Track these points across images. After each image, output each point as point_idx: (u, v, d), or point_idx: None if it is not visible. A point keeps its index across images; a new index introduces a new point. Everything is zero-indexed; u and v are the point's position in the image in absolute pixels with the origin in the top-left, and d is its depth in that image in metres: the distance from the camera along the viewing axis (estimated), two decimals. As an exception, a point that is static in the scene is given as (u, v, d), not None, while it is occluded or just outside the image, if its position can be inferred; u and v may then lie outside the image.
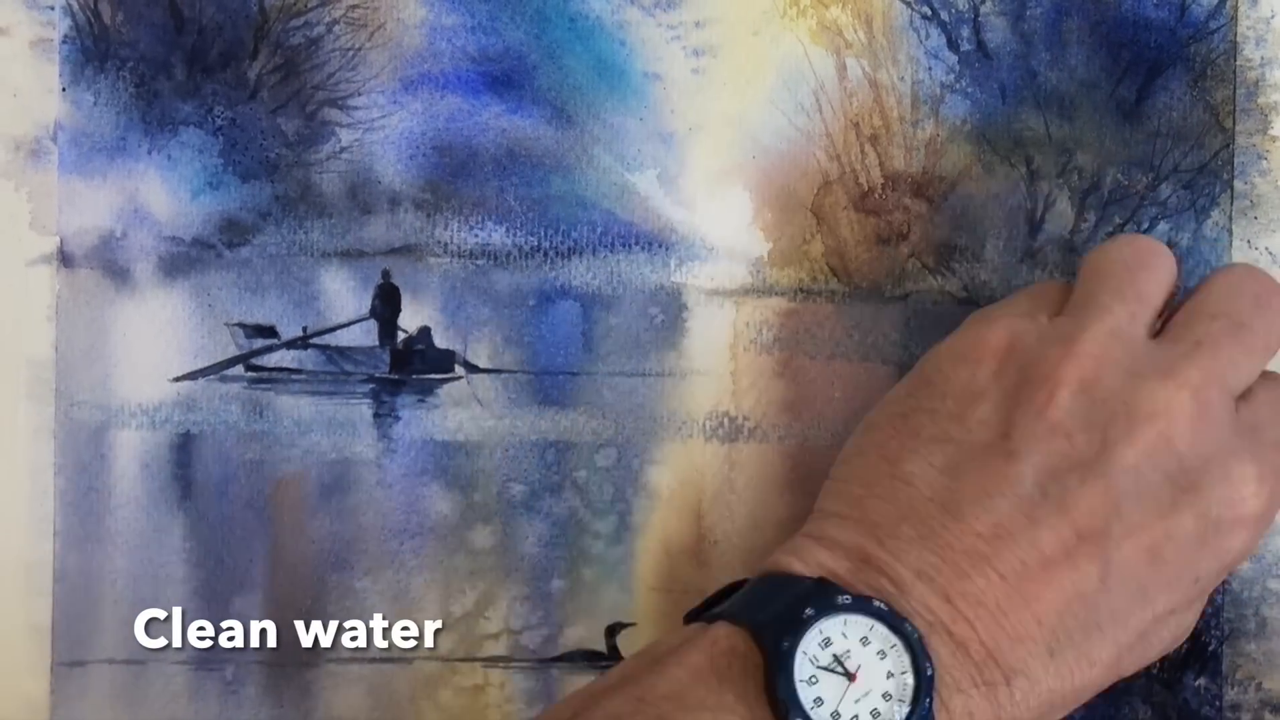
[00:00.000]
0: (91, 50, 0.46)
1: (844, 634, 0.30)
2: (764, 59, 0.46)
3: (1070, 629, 0.31)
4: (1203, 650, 0.45)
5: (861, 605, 0.30)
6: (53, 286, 0.46)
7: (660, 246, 0.46)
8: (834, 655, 0.30)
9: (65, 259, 0.46)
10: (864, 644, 0.30)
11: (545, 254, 0.46)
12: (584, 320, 0.46)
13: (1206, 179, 0.46)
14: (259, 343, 0.46)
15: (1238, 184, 0.46)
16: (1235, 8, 0.46)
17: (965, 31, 0.46)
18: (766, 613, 0.31)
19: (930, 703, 0.29)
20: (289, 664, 0.46)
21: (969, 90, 0.46)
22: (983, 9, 0.46)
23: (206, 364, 0.46)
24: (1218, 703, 0.45)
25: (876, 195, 0.46)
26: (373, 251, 0.46)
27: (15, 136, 0.45)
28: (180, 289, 0.46)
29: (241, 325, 0.46)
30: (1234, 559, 0.34)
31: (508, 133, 0.46)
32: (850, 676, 0.29)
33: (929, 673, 0.29)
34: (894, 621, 0.30)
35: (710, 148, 0.46)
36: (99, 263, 0.46)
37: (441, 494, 0.46)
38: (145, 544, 0.46)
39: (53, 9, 0.45)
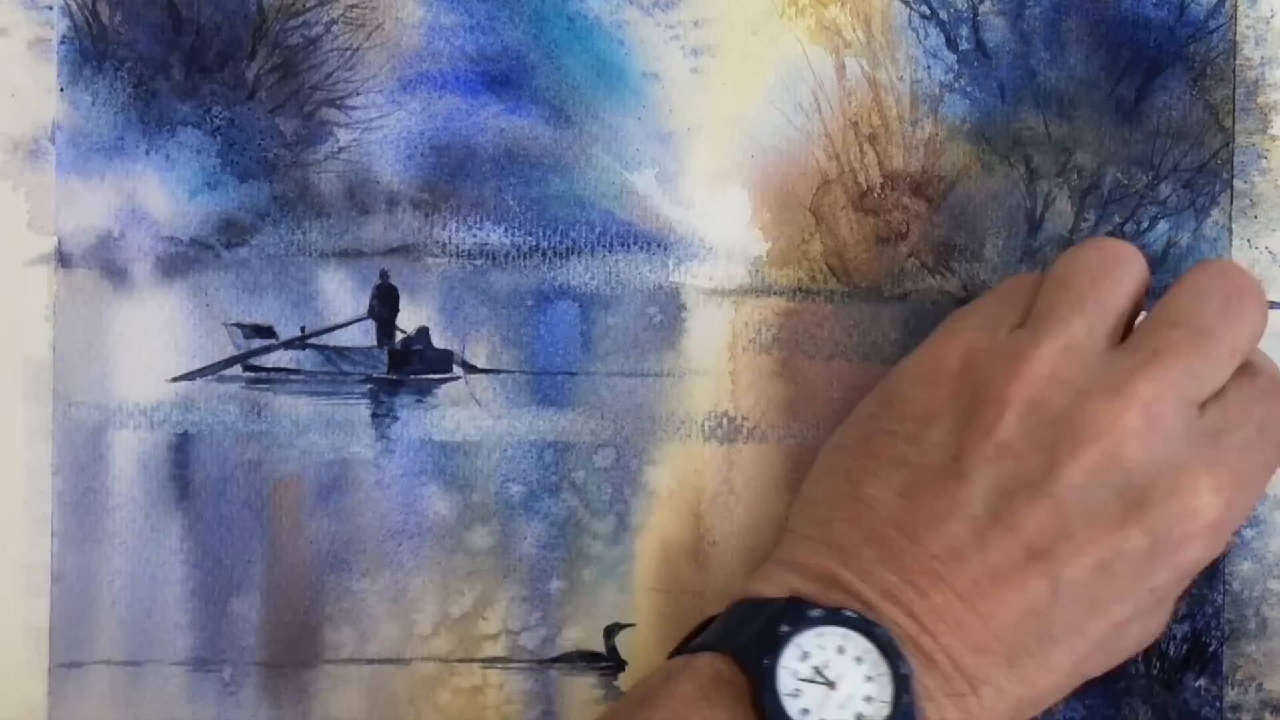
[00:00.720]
0: (90, 50, 0.46)
1: (820, 646, 0.31)
2: (763, 58, 0.46)
3: (1027, 641, 0.32)
4: (1203, 651, 0.45)
5: (833, 616, 0.31)
6: (51, 286, 0.46)
7: (659, 246, 0.46)
8: (814, 667, 0.31)
9: (63, 259, 0.46)
10: (840, 653, 0.31)
11: (544, 254, 0.46)
12: (582, 320, 0.46)
13: (1206, 178, 0.46)
14: (257, 343, 0.46)
15: (1237, 183, 0.46)
16: (1234, 7, 0.46)
17: (964, 30, 0.46)
18: (745, 635, 0.32)
19: (910, 700, 0.31)
20: (287, 665, 0.46)
21: (968, 89, 0.46)
22: (981, 8, 0.46)
23: (204, 364, 0.46)
24: (1218, 703, 0.45)
25: (875, 195, 0.46)
26: (371, 251, 0.46)
27: (13, 136, 0.45)
28: (178, 289, 0.46)
29: (239, 325, 0.46)
30: (1192, 566, 0.35)
31: (506, 132, 0.46)
32: (831, 685, 0.31)
33: (905, 672, 0.31)
34: (865, 627, 0.31)
35: (709, 147, 0.46)
36: (97, 263, 0.46)
37: (440, 494, 0.46)
38: (143, 544, 0.46)
39: (51, 9, 0.45)
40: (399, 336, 0.46)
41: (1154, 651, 0.45)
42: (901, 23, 0.46)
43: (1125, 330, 0.37)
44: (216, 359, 0.46)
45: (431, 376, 0.46)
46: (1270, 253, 0.46)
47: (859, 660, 0.31)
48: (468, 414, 0.46)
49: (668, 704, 0.32)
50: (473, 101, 0.46)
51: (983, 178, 0.46)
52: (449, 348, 0.46)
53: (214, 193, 0.46)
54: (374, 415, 0.46)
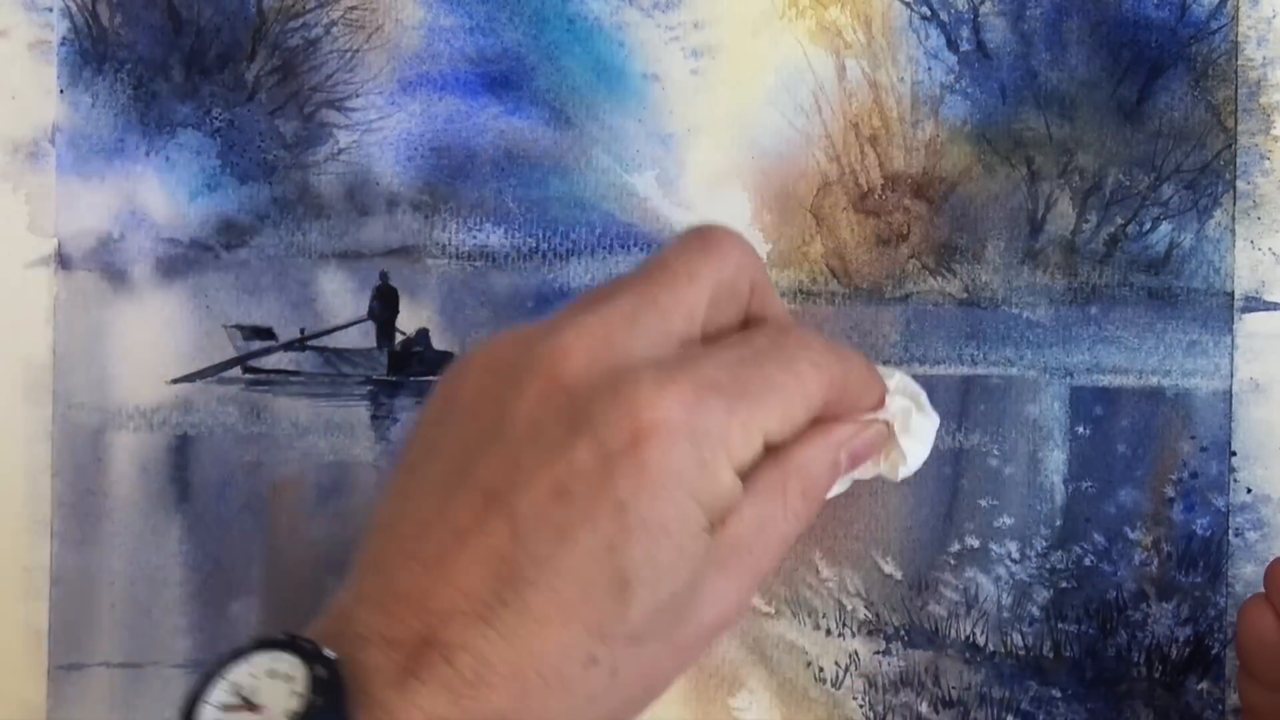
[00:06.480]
0: (89, 52, 0.46)
1: (251, 675, 0.30)
2: (763, 60, 0.46)
3: (497, 589, 0.30)
4: (1205, 654, 0.45)
5: (256, 644, 0.30)
6: (51, 288, 0.46)
7: (659, 248, 0.46)
8: (241, 696, 0.30)
9: (63, 261, 0.46)
10: (271, 676, 0.30)
11: (544, 255, 0.46)
12: (582, 322, 0.46)
13: (1209, 179, 0.46)
14: (257, 344, 0.46)
15: (1240, 184, 0.46)
16: (1236, 7, 0.45)
17: (965, 32, 0.46)
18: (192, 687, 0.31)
19: (328, 699, 0.29)
20: (286, 667, 0.45)
21: (969, 91, 0.46)
22: (982, 9, 0.46)
23: (204, 366, 0.46)
24: (1220, 706, 0.45)
25: (876, 196, 0.46)
26: (370, 253, 0.46)
27: (13, 138, 0.45)
28: (178, 291, 0.46)
29: (239, 327, 0.46)
30: (671, 477, 0.31)
31: (506, 134, 0.46)
32: (253, 708, 0.30)
33: (319, 674, 0.29)
34: (289, 644, 0.30)
35: (709, 149, 0.46)
36: (97, 265, 0.46)
37: (439, 496, 0.46)
38: (142, 546, 0.46)
39: (51, 11, 0.46)
40: (399, 338, 0.46)
41: (1156, 654, 0.45)
42: (902, 24, 0.46)
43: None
44: (216, 361, 0.46)
45: (432, 378, 0.46)
46: (1274, 253, 0.45)
47: (289, 678, 0.30)
48: (468, 416, 0.46)
49: None
50: (473, 103, 0.46)
51: (984, 179, 0.46)
52: (449, 349, 0.46)
53: (214, 194, 0.46)
54: (374, 417, 0.46)
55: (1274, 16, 0.45)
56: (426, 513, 0.31)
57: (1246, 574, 0.45)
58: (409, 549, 0.31)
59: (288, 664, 0.30)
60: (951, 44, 0.46)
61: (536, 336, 0.32)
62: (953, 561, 0.45)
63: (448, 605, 0.30)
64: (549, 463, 0.31)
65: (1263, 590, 0.41)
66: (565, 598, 0.30)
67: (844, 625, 0.46)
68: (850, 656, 0.46)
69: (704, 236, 0.35)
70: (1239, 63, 0.46)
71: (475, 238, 0.46)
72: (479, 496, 0.31)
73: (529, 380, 0.31)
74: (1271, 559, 0.45)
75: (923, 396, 0.39)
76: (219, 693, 0.30)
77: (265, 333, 0.46)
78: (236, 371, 0.46)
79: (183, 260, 0.46)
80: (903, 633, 0.46)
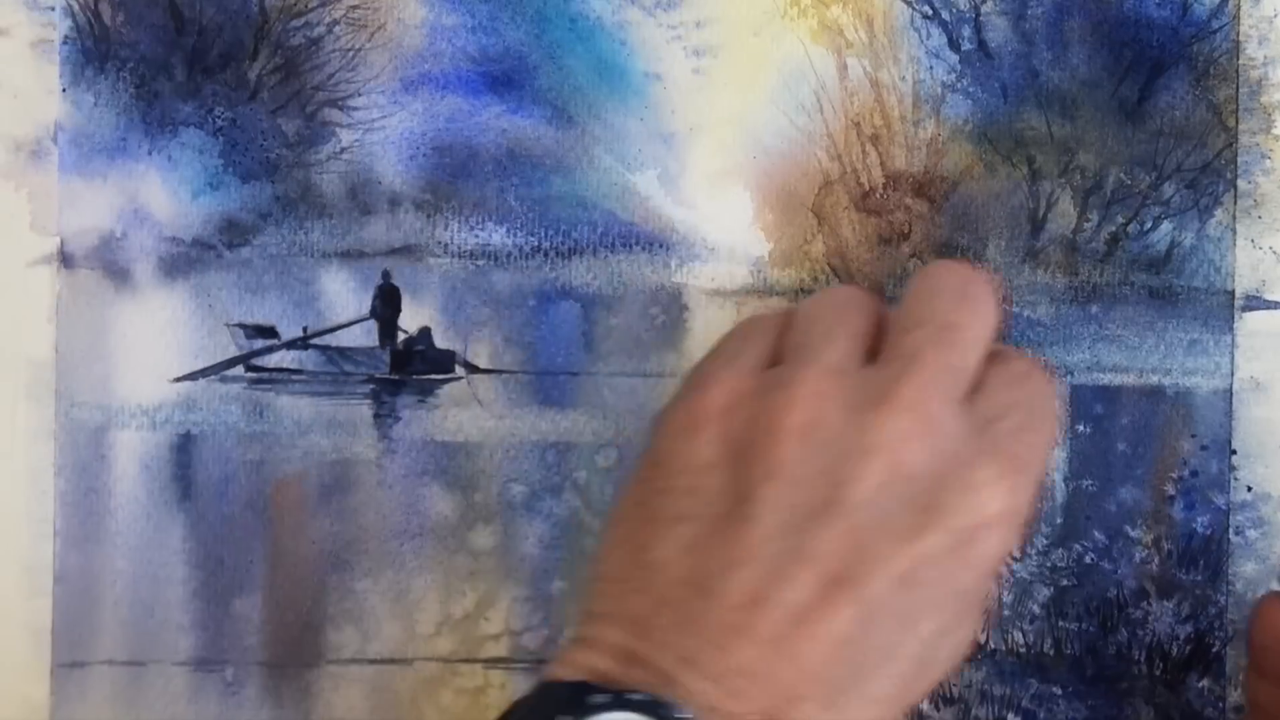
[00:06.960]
0: (92, 51, 0.46)
1: None
2: (765, 59, 0.46)
3: (841, 676, 0.30)
4: (1206, 652, 0.45)
5: (619, 701, 0.29)
6: (53, 287, 0.46)
7: (661, 247, 0.46)
8: None
9: (66, 259, 0.46)
10: None
11: (545, 254, 0.46)
12: (584, 320, 0.46)
13: (1210, 178, 0.46)
14: (259, 343, 0.46)
15: (1241, 183, 0.46)
16: (1238, 7, 0.45)
17: (966, 31, 0.46)
18: None
19: None
20: (289, 665, 0.46)
21: (970, 90, 0.46)
22: (984, 8, 0.46)
23: (207, 364, 0.46)
24: (1221, 704, 0.45)
25: (878, 195, 0.46)
26: (373, 252, 0.46)
27: (16, 137, 0.45)
28: (180, 289, 0.46)
29: (242, 325, 0.46)
30: (991, 562, 0.33)
31: (508, 133, 0.46)
32: None
33: None
34: (653, 709, 0.29)
35: (711, 148, 0.46)
36: (99, 263, 0.46)
37: (442, 494, 0.46)
38: (145, 545, 0.46)
39: (53, 10, 0.46)
40: (401, 337, 0.46)
41: (1157, 652, 0.45)
42: (904, 23, 0.46)
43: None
44: (219, 359, 0.46)
45: (434, 377, 0.46)
46: (1275, 252, 0.46)
47: None
48: (470, 414, 0.46)
49: None
50: (475, 102, 0.46)
51: (985, 178, 0.46)
52: (451, 348, 0.46)
53: (216, 193, 0.46)
54: (376, 415, 0.46)
55: (1275, 16, 0.46)
56: (755, 584, 0.31)
57: (1247, 572, 0.45)
58: (734, 620, 0.30)
59: None
60: (953, 43, 0.46)
61: (863, 409, 0.33)
62: (954, 560, 0.46)
63: (792, 688, 0.30)
64: (899, 550, 0.31)
65: (1275, 589, 0.41)
66: (903, 681, 0.31)
67: (845, 623, 0.46)
68: (851, 654, 0.46)
69: (968, 291, 0.36)
70: (1240, 62, 0.46)
71: (477, 236, 0.46)
72: (819, 577, 0.30)
73: (867, 462, 0.32)
74: (1273, 557, 0.45)
75: None
76: None
77: (268, 331, 0.46)
78: (239, 370, 0.46)
79: (185, 259, 0.46)
80: (904, 631, 0.46)
